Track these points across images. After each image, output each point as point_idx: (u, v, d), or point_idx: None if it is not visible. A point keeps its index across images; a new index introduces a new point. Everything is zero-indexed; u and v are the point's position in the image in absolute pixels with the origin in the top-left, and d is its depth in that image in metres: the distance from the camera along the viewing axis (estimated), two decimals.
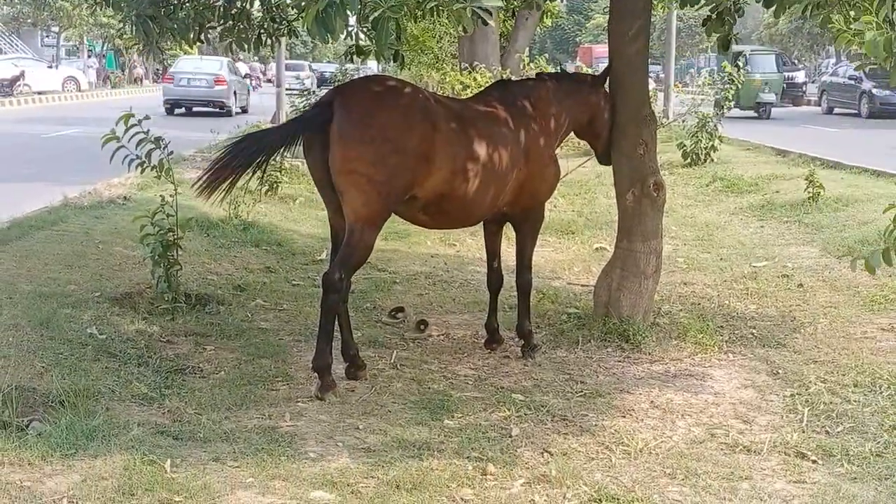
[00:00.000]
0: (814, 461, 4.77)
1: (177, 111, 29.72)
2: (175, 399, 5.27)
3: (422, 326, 7.02)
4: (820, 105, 34.35)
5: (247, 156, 5.30)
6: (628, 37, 6.79)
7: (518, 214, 6.25)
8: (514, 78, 11.27)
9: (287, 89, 21.94)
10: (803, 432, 5.13)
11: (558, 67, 7.12)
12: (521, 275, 6.47)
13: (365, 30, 7.42)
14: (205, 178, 5.24)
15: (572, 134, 6.82)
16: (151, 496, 4.09)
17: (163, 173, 6.83)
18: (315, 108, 5.53)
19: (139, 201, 10.94)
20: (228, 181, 5.29)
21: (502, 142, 5.86)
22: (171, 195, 6.86)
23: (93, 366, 5.57)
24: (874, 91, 29.34)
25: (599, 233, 11.03)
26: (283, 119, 24.39)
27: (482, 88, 7.28)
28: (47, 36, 54.24)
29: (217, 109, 29.41)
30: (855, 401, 5.59)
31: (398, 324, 7.20)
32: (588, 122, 6.61)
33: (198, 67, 30.05)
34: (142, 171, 6.86)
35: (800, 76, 39.83)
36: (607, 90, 6.73)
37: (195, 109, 29.87)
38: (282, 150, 5.42)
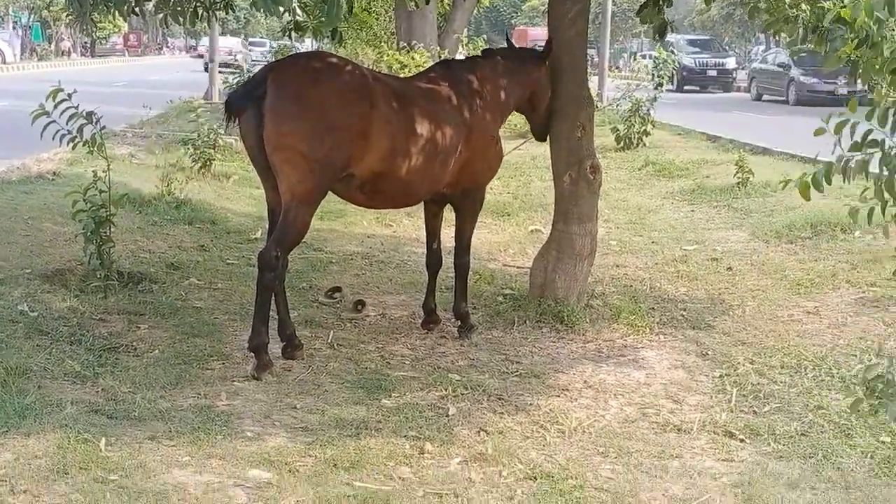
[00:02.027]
0: (741, 440, 4.88)
1: None
2: (109, 378, 5.20)
3: (359, 307, 7.00)
4: (749, 91, 34.93)
5: None
6: (567, 19, 6.82)
7: (459, 196, 6.25)
8: (452, 58, 11.19)
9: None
10: (731, 412, 5.25)
11: (505, 40, 6.95)
12: (460, 256, 6.48)
13: (302, 4, 7.35)
14: None
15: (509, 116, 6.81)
16: (86, 475, 4.04)
17: (94, 148, 6.68)
18: (248, 84, 5.46)
19: (69, 177, 10.72)
20: None
21: (444, 121, 5.84)
22: (103, 171, 6.74)
23: (24, 343, 5.49)
24: (802, 78, 29.91)
25: (534, 215, 11.12)
26: (215, 95, 24.11)
27: (424, 67, 7.23)
28: None
29: None
30: (781, 381, 5.73)
31: (335, 304, 7.17)
32: (529, 97, 6.57)
33: None
34: (73, 147, 6.70)
35: (730, 62, 40.49)
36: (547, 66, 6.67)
37: None
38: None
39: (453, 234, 6.56)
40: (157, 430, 4.56)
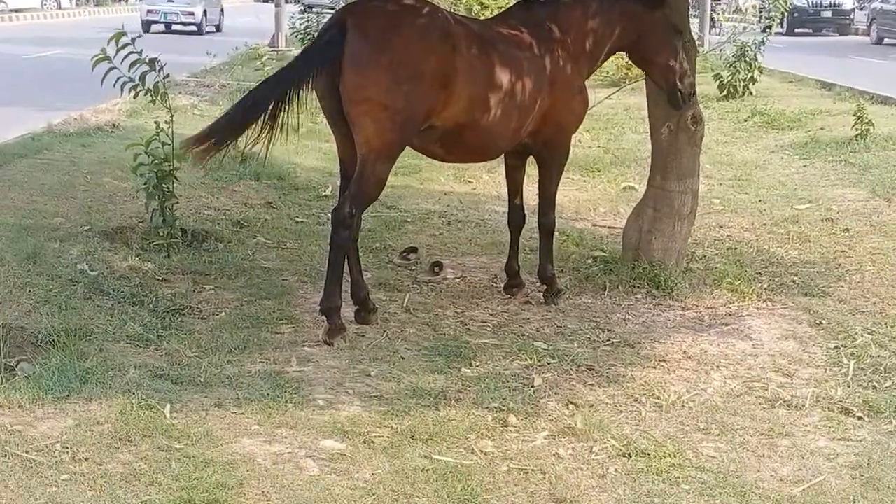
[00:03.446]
0: (859, 417, 4.77)
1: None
2: (173, 341, 5.27)
3: (436, 269, 6.97)
4: (869, 34, 33.95)
5: (260, 109, 5.31)
6: None
7: (542, 147, 6.18)
8: None
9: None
10: (848, 387, 5.13)
11: None
12: (544, 214, 6.40)
13: None
14: (210, 139, 5.23)
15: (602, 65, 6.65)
16: (150, 442, 4.11)
17: (157, 98, 6.75)
18: (325, 34, 5.42)
19: (128, 129, 10.91)
20: (235, 138, 5.30)
21: (526, 67, 5.77)
22: (165, 122, 6.78)
23: (84, 304, 5.59)
24: None
25: (627, 171, 10.94)
26: (282, 41, 24.26)
27: (504, 9, 7.11)
28: None
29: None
30: None
31: (410, 266, 7.16)
32: (635, 45, 6.31)
33: None
34: (135, 96, 6.79)
35: (847, 2, 39.32)
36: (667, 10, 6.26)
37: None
38: (300, 92, 5.32)
39: (536, 191, 6.48)
40: (224, 397, 4.62)
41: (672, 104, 6.47)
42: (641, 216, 6.93)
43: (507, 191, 6.63)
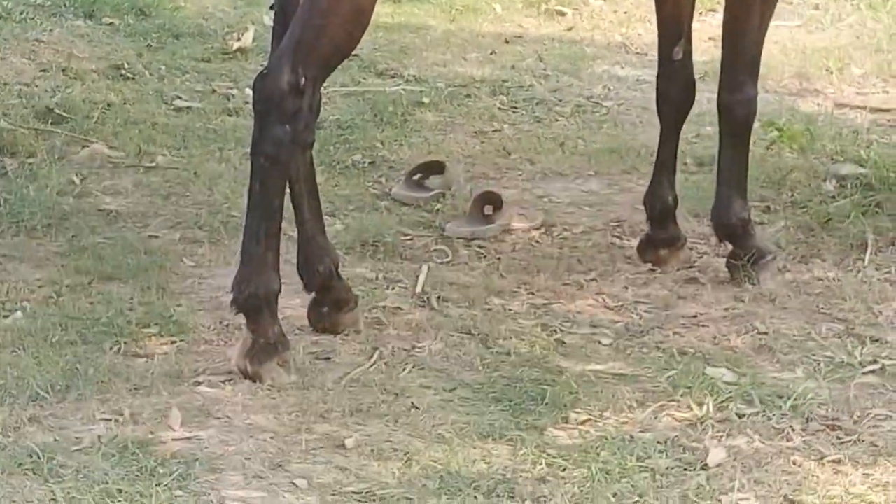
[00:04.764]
0: None
1: None
2: None
3: (486, 209, 4.92)
4: None
5: None
6: None
7: None
8: None
9: None
10: None
11: None
12: (736, 87, 4.53)
13: None
14: None
15: None
16: None
17: None
18: None
19: None
20: None
21: None
22: None
23: None
24: None
25: None
26: None
27: None
28: None
29: None
30: None
31: (430, 202, 5.14)
32: None
33: None
34: None
35: None
36: None
37: None
38: None
39: (720, 39, 4.57)
40: None
41: None
42: None
43: (657, 34, 4.97)
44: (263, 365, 3.61)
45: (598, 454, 3.22)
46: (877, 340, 3.99)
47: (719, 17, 4.85)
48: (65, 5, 7.02)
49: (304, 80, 3.61)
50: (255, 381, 3.60)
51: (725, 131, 4.56)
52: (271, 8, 6.54)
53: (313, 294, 3.96)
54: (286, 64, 3.63)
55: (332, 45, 3.73)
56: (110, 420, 3.33)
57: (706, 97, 4.97)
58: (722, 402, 3.48)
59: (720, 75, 4.58)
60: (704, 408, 3.44)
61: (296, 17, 3.72)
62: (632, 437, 3.33)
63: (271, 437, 3.31)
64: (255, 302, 3.66)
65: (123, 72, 6.27)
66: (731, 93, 4.45)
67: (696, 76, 4.79)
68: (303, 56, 3.64)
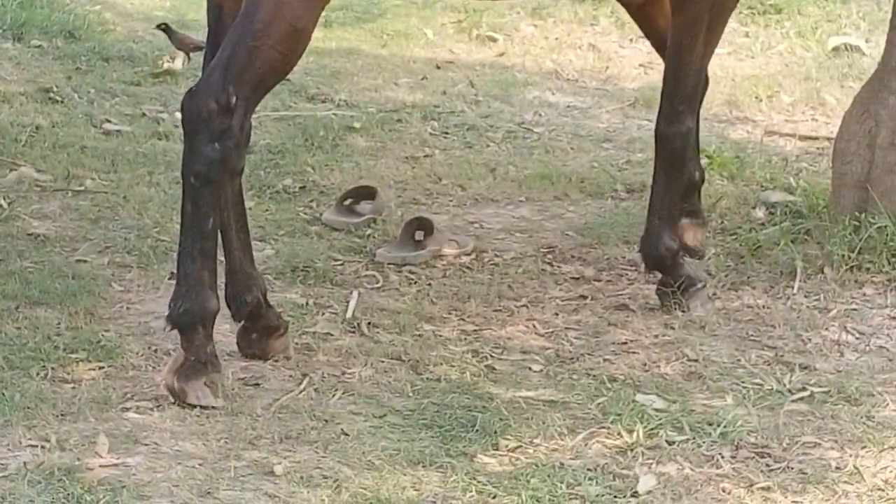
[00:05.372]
0: None
1: None
2: None
3: (418, 234, 4.99)
4: None
5: None
6: None
7: None
8: None
9: None
10: None
11: None
12: (674, 117, 4.56)
13: None
14: None
15: None
16: None
17: None
18: None
19: None
20: None
21: None
22: None
23: None
24: None
25: (837, 11, 8.10)
26: None
27: None
28: None
29: None
30: None
31: (361, 227, 5.11)
32: None
33: None
34: None
35: None
36: None
37: None
38: None
39: (664, 65, 4.69)
40: None
41: None
42: (876, 115, 5.05)
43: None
44: (190, 382, 3.62)
45: (528, 481, 3.26)
46: (806, 367, 4.07)
47: (649, 45, 5.02)
48: None
49: (234, 98, 3.61)
50: (180, 399, 3.62)
51: (661, 161, 4.65)
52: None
53: (242, 321, 4.01)
54: (216, 82, 3.63)
55: (265, 67, 3.73)
56: (37, 446, 3.35)
57: (636, 124, 4.91)
58: (652, 429, 3.54)
59: (660, 104, 4.69)
60: (634, 435, 3.50)
61: (227, 37, 3.71)
62: (562, 464, 3.36)
63: (200, 464, 3.33)
64: (189, 318, 3.70)
65: (52, 95, 6.36)
66: (669, 123, 4.54)
67: (627, 103, 4.88)
68: (234, 76, 3.64)
